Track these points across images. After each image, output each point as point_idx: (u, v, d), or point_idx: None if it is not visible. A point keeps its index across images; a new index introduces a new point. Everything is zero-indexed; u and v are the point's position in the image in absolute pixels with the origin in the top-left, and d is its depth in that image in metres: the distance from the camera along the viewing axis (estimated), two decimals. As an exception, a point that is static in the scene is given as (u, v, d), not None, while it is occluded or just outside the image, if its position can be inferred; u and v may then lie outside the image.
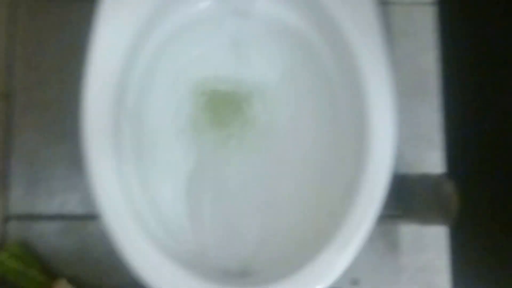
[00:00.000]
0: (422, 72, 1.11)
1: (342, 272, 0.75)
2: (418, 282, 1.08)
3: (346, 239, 0.74)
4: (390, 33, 1.10)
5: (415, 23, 1.12)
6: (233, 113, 0.91)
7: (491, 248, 0.95)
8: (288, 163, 0.90)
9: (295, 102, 0.91)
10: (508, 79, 0.92)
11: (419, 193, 1.01)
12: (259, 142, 0.91)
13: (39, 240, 1.03)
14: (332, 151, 0.85)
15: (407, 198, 1.03)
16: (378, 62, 0.78)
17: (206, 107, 0.91)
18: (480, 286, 0.99)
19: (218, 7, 0.85)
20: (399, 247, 1.08)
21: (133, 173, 0.79)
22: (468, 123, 1.02)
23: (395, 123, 0.78)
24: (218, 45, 0.90)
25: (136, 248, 0.72)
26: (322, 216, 0.82)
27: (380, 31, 0.79)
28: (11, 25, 1.08)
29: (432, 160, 1.10)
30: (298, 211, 0.85)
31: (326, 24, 0.81)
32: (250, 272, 0.81)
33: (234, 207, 0.89)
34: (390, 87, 0.78)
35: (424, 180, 1.01)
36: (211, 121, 0.91)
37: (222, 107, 0.91)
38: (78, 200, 1.06)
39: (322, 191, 0.84)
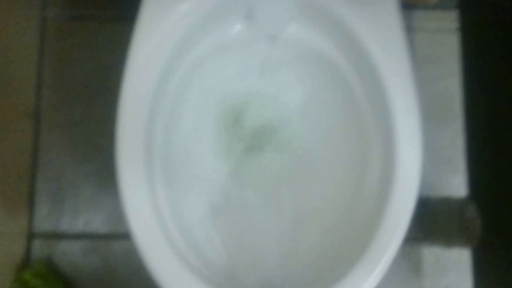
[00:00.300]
0: (446, 97, 1.13)
1: (368, 294, 0.75)
2: (441, 304, 1.09)
3: (373, 261, 0.75)
4: (415, 58, 1.11)
5: (439, 49, 1.14)
6: (262, 136, 0.92)
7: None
8: (315, 185, 0.90)
9: (323, 124, 0.92)
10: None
11: (442, 216, 1.02)
12: (286, 164, 0.92)
13: (63, 258, 1.04)
14: (359, 174, 0.85)
15: (430, 221, 1.04)
16: (405, 88, 0.79)
17: (234, 129, 0.92)
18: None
19: (249, 32, 0.86)
20: (422, 269, 1.08)
21: (163, 194, 0.79)
22: (491, 147, 1.03)
23: (421, 147, 0.79)
24: (248, 69, 0.92)
25: (168, 268, 0.73)
26: (349, 238, 0.82)
27: (407, 57, 0.81)
28: (41, 46, 1.10)
29: (455, 184, 1.11)
30: (325, 233, 0.86)
31: (354, 49, 0.82)
32: (278, 293, 0.81)
33: (262, 229, 0.89)
34: (416, 112, 0.79)
35: (447, 203, 1.02)
36: (239, 143, 0.92)
37: (251, 130, 0.92)
38: (102, 219, 1.06)
39: (348, 214, 0.85)
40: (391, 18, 0.81)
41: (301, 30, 0.87)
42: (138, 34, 0.78)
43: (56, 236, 1.05)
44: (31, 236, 1.05)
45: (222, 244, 0.86)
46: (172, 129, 0.84)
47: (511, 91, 0.97)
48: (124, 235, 1.06)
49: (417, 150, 0.78)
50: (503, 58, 1.00)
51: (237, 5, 0.83)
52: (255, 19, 0.85)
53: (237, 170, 0.92)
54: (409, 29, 1.14)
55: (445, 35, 1.15)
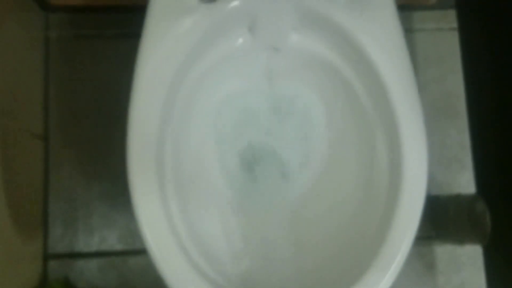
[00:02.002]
0: (450, 95, 1.15)
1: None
2: (456, 300, 1.10)
3: (387, 261, 0.75)
4: (416, 59, 1.13)
5: (440, 48, 1.16)
6: (269, 146, 0.93)
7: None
8: (326, 192, 0.92)
9: (329, 129, 0.93)
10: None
11: (452, 213, 1.03)
12: (295, 172, 0.93)
13: (81, 277, 1.05)
14: (367, 177, 0.86)
15: (440, 219, 1.05)
16: (408, 90, 0.80)
17: (242, 141, 0.93)
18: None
19: (252, 44, 0.87)
20: (436, 267, 1.10)
21: (176, 209, 0.80)
22: (496, 143, 1.04)
23: (426, 146, 0.79)
24: (253, 80, 0.93)
25: (186, 281, 0.73)
26: (361, 241, 0.82)
27: (407, 59, 0.82)
28: (45, 67, 1.12)
29: (464, 181, 1.13)
30: (337, 238, 0.87)
31: (356, 55, 0.82)
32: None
33: (274, 238, 0.90)
34: (419, 113, 0.80)
35: (456, 200, 1.03)
36: (248, 154, 0.93)
37: (259, 140, 0.94)
38: (116, 237, 1.07)
39: (359, 217, 0.85)
40: (390, 23, 0.83)
41: (303, 39, 0.87)
42: (144, 51, 0.78)
43: (72, 255, 1.06)
44: (46, 257, 1.05)
45: (236, 254, 0.87)
46: (181, 144, 0.85)
47: (511, 87, 0.98)
48: (139, 251, 1.07)
49: (422, 150, 0.79)
50: (501, 55, 1.01)
51: (239, 19, 0.84)
52: (257, 31, 0.85)
53: (246, 181, 0.92)
54: (409, 30, 1.16)
55: (445, 34, 1.17)
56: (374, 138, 0.86)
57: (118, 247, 1.07)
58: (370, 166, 0.86)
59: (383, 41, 0.82)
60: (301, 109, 0.95)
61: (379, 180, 0.84)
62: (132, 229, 1.08)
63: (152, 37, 0.79)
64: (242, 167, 0.93)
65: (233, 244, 0.88)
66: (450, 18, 1.17)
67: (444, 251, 1.10)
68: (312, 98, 0.94)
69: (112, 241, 1.07)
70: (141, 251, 1.06)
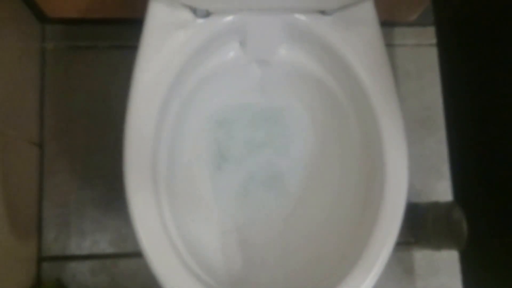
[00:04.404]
0: (428, 108, 1.20)
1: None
2: (434, 303, 1.14)
3: (369, 264, 0.77)
4: (397, 73, 1.18)
5: (419, 62, 1.21)
6: (258, 157, 0.98)
7: (499, 267, 0.99)
8: (311, 198, 0.95)
9: (315, 138, 0.97)
10: (506, 110, 0.98)
11: (430, 220, 1.06)
12: (282, 178, 0.97)
13: (73, 279, 1.08)
14: (352, 184, 0.90)
15: (419, 225, 1.09)
16: (390, 103, 0.83)
17: (232, 151, 0.97)
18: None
19: (242, 57, 0.91)
20: (415, 272, 1.14)
21: (169, 215, 0.81)
22: (472, 153, 1.07)
23: (407, 157, 0.82)
24: (244, 91, 0.97)
25: (180, 281, 0.74)
26: (345, 245, 0.84)
27: (389, 72, 0.85)
28: (41, 77, 1.15)
29: (440, 189, 1.17)
30: (322, 242, 0.90)
31: (341, 69, 0.86)
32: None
33: (262, 243, 0.94)
34: (401, 124, 0.83)
35: (434, 207, 1.07)
36: (238, 162, 0.97)
37: (248, 148, 0.97)
38: (108, 240, 1.10)
39: (344, 222, 0.88)
40: (374, 39, 0.86)
41: (291, 53, 0.91)
42: (140, 63, 0.81)
43: (65, 258, 1.09)
44: (40, 260, 1.08)
45: (225, 259, 0.91)
46: (174, 155, 0.88)
47: (486, 100, 1.01)
48: (130, 254, 1.10)
49: (404, 159, 0.81)
50: (478, 69, 1.04)
51: (231, 34, 0.87)
52: (248, 46, 0.89)
53: (235, 188, 0.96)
54: (390, 46, 1.21)
55: (424, 50, 1.22)
56: (357, 147, 0.89)
57: (110, 250, 1.10)
58: (354, 173, 0.89)
59: (366, 56, 0.85)
60: (289, 119, 0.98)
61: (362, 186, 0.87)
62: (123, 233, 1.11)
63: (148, 50, 0.81)
64: (231, 177, 0.96)
65: (222, 250, 0.91)
66: (429, 35, 1.23)
67: (423, 256, 1.15)
68: (299, 108, 0.98)
69: (103, 244, 1.10)
70: (132, 254, 1.10)
